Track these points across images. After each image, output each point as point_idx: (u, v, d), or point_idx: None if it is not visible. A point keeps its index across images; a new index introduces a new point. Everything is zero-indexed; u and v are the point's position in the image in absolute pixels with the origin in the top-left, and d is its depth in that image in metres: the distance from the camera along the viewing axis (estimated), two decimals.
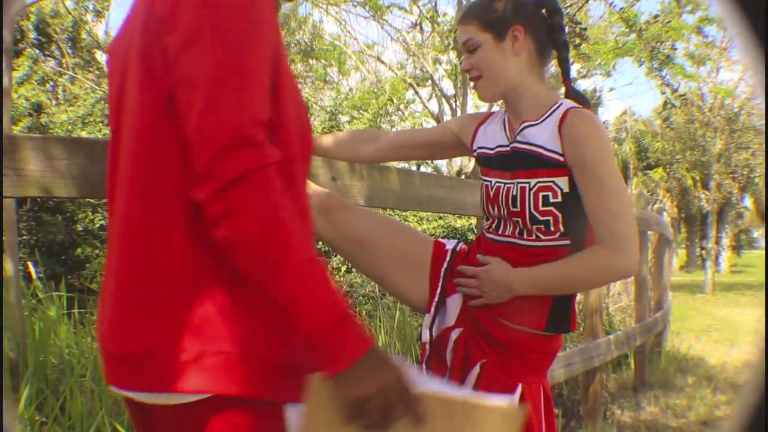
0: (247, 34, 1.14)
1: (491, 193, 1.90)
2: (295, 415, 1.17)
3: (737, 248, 36.07)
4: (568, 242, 1.80)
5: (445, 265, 1.98)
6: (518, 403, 1.52)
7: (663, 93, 8.26)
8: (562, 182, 1.77)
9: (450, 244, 2.04)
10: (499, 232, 1.89)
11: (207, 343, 1.15)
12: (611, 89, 39.63)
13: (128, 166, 1.21)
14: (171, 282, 1.16)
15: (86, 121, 9.99)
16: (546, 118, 1.82)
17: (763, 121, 23.03)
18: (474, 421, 1.25)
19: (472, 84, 1.96)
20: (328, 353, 1.12)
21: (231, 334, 1.15)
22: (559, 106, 1.82)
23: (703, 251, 27.00)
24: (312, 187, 2.03)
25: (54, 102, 11.42)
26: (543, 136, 1.80)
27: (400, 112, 19.77)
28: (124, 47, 1.26)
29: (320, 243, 2.10)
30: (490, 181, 1.92)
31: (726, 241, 29.39)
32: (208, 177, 1.07)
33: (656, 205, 11.41)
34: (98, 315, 1.29)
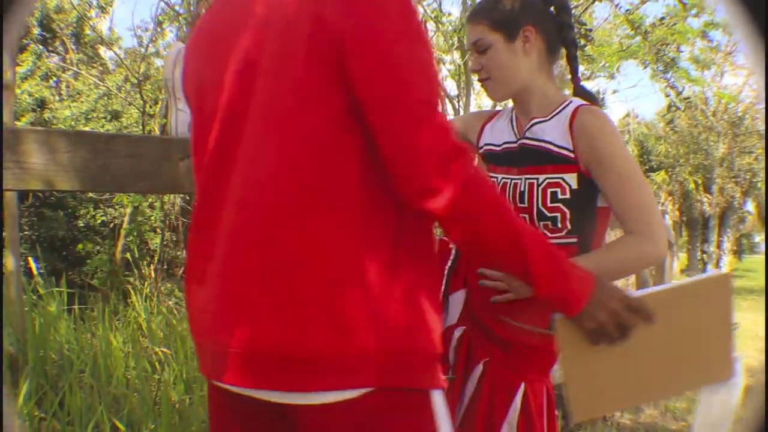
0: (430, 56, 1.25)
1: (498, 190, 1.89)
2: (440, 400, 1.30)
3: (739, 253, 35.95)
4: (575, 240, 1.79)
5: (449, 263, 1.97)
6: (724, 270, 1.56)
7: (667, 95, 8.27)
8: (571, 179, 1.76)
9: None
10: None
11: (370, 339, 1.21)
12: (615, 91, 39.67)
13: (276, 169, 1.23)
14: (336, 283, 1.21)
15: (89, 117, 9.99)
16: (556, 114, 1.82)
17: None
18: (695, 298, 1.48)
19: (479, 84, 1.95)
20: (567, 302, 1.33)
21: (390, 329, 1.23)
22: (568, 104, 1.82)
23: (705, 255, 26.98)
24: None
25: (57, 98, 11.42)
26: (553, 132, 1.80)
27: None
28: (245, 47, 1.27)
29: None
30: (497, 177, 1.91)
31: (727, 246, 29.34)
32: (436, 189, 1.19)
33: (658, 208, 11.39)
34: (221, 316, 1.28)
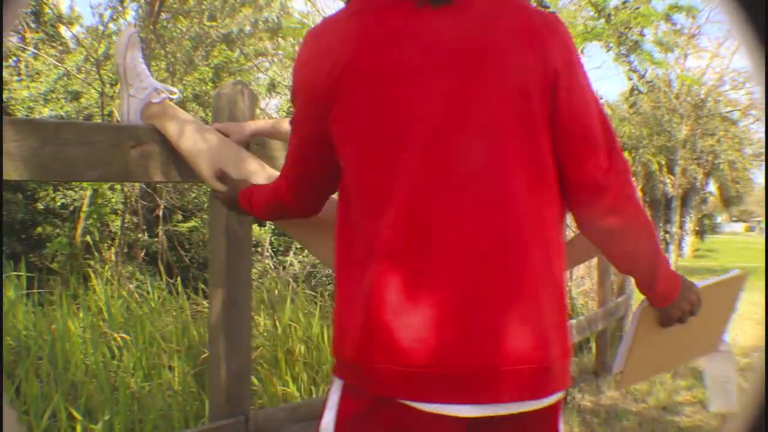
0: None
1: None
2: None
3: (700, 233, 36.45)
4: None
5: None
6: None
7: (630, 79, 8.33)
8: None
9: None
10: None
11: (569, 345, 1.45)
12: None
13: (515, 197, 1.34)
14: (562, 297, 1.42)
15: (48, 98, 9.81)
16: None
17: (729, 109, 23.30)
18: (722, 289, 1.79)
19: None
20: (668, 296, 1.53)
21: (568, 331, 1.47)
22: None
23: (667, 235, 27.27)
24: (268, 171, 1.99)
25: (16, 78, 11.21)
26: None
27: None
28: (455, 74, 1.34)
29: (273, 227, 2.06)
30: None
31: (689, 226, 29.71)
32: (620, 208, 1.40)
33: None
34: (462, 339, 1.31)
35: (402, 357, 1.30)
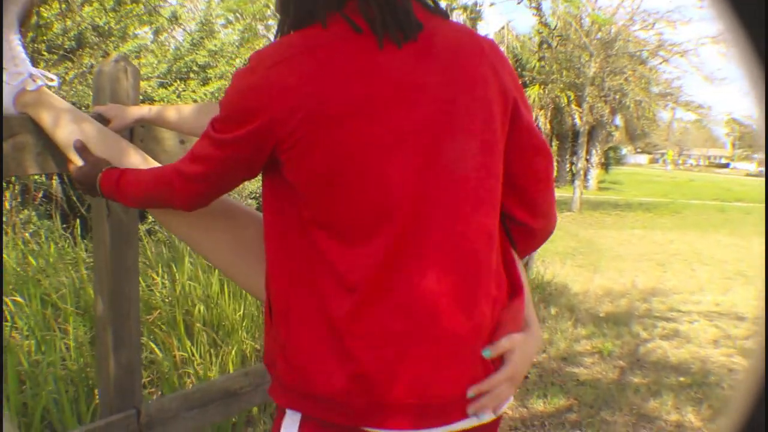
0: None
1: None
2: None
3: (606, 165, 37.37)
4: None
5: None
6: None
7: (539, 32, 8.37)
8: None
9: None
10: None
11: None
12: (492, 4, 39.47)
13: (485, 226, 1.40)
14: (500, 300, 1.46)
15: None
16: None
17: (638, 49, 23.69)
18: None
19: None
20: None
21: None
22: None
23: (573, 167, 27.78)
24: (150, 163, 1.87)
25: None
26: None
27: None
28: (436, 100, 1.35)
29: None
30: None
31: (596, 159, 30.40)
32: (549, 214, 1.56)
33: None
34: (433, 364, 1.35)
35: (378, 389, 1.32)
